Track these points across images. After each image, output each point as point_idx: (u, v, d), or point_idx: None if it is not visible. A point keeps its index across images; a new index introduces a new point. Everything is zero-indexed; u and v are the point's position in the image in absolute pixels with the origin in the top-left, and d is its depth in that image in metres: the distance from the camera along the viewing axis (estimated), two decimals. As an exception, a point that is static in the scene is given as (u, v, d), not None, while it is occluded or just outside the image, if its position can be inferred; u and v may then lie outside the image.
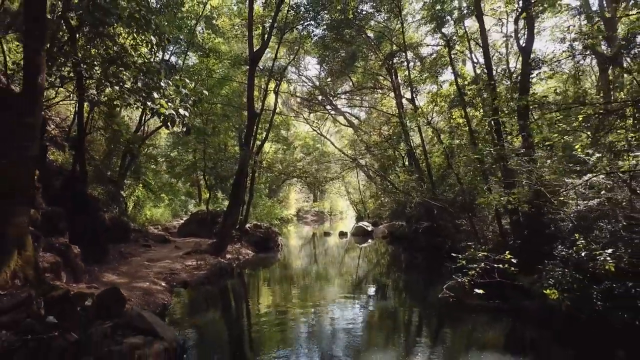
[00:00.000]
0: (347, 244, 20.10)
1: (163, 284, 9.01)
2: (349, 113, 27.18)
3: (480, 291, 6.24)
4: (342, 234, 22.86)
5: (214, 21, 14.57)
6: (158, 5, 8.09)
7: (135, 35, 6.73)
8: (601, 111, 6.20)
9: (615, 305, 6.10)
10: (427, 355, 5.74)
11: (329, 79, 21.96)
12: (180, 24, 11.80)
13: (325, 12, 14.28)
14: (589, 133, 7.22)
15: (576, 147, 6.10)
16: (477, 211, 11.81)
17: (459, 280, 6.69)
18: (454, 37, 12.41)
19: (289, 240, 21.80)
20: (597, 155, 7.03)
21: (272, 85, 17.54)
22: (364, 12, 14.40)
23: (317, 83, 22.84)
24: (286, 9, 13.81)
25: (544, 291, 5.91)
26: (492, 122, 8.70)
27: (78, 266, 7.07)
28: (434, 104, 14.11)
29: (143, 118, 15.88)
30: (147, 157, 17.59)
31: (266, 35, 13.47)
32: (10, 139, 4.50)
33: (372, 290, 10.38)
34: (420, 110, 13.70)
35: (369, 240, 20.42)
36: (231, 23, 15.42)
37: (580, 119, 5.89)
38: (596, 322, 6.01)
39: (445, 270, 9.28)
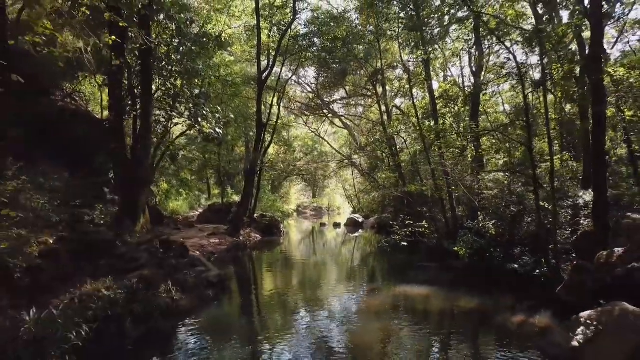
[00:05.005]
0: (339, 233, 23.37)
1: (197, 253, 12.30)
2: (344, 116, 30.13)
3: (405, 243, 9.61)
4: (336, 225, 26.05)
5: (229, 48, 17.78)
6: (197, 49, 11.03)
7: (185, 82, 9.97)
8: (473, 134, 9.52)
9: (509, 261, 9.40)
10: (381, 282, 9.15)
11: (325, 88, 25.16)
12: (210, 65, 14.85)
13: (319, 39, 17.58)
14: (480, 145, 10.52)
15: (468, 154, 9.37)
16: (438, 202, 15.09)
17: (392, 238, 10.11)
18: (415, 68, 15.68)
19: (290, 230, 25.12)
20: (505, 160, 10.34)
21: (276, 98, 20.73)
22: (350, 38, 17.63)
23: (316, 90, 25.88)
24: (287, 38, 17.01)
25: (454, 249, 9.17)
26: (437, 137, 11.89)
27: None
28: (409, 115, 17.45)
29: (169, 125, 19.11)
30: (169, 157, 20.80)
31: (271, 60, 16.72)
32: (140, 153, 7.85)
33: (343, 253, 14.22)
34: (393, 121, 16.96)
35: (360, 230, 23.64)
36: (242, 50, 18.68)
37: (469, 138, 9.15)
38: (499, 272, 9.22)
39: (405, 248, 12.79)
